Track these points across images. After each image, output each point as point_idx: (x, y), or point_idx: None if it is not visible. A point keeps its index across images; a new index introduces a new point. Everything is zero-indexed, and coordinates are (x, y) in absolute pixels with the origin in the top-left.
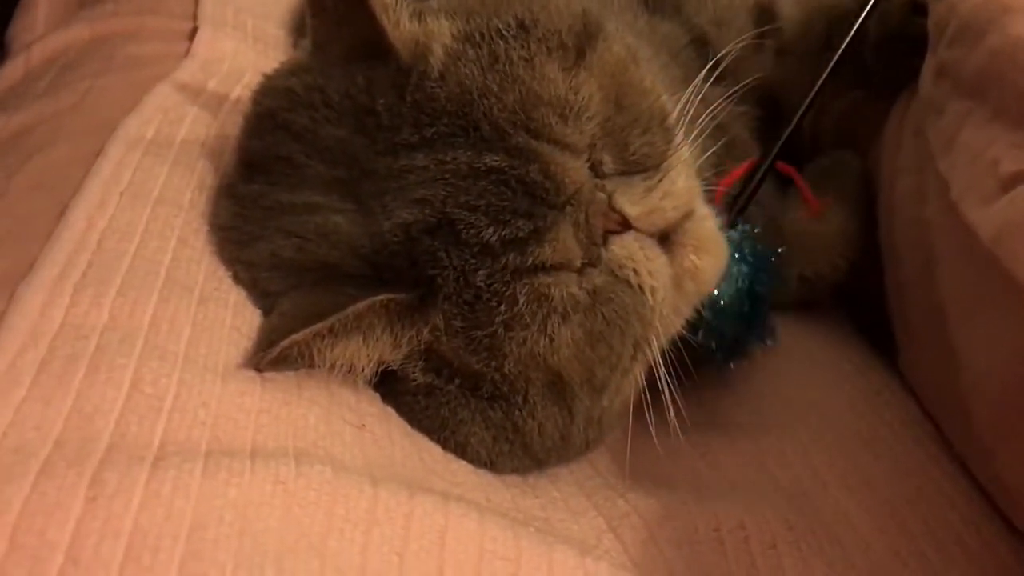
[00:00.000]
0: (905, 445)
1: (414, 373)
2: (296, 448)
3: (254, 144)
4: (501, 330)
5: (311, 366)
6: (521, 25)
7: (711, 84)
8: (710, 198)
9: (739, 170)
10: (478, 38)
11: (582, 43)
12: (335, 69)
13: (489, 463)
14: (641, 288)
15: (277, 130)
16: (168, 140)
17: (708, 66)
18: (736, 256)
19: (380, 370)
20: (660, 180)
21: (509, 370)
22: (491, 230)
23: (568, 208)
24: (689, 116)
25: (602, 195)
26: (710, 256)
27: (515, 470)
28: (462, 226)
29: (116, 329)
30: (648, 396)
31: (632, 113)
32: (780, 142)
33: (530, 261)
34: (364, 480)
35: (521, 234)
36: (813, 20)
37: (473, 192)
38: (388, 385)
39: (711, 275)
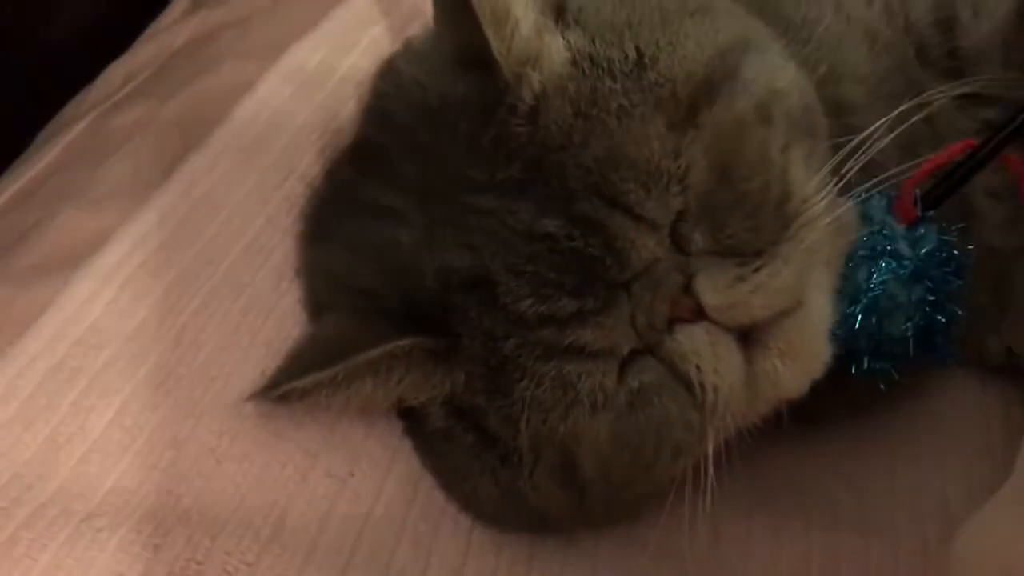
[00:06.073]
0: None
1: (434, 415)
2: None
3: (363, 127)
4: (519, 405)
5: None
6: (639, 60)
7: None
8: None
9: (941, 156)
10: (587, 67)
11: (698, 96)
12: (444, 66)
13: (495, 519)
14: (702, 386)
15: (383, 118)
16: (327, 73)
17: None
18: (911, 271)
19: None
20: (757, 270)
21: (521, 443)
22: (529, 302)
23: (634, 286)
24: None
25: (679, 277)
26: (800, 363)
27: (525, 529)
28: (501, 289)
29: (136, 339)
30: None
31: (739, 189)
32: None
33: (566, 342)
34: None
35: (561, 314)
36: None
37: (524, 255)
38: (411, 419)
39: (795, 385)
